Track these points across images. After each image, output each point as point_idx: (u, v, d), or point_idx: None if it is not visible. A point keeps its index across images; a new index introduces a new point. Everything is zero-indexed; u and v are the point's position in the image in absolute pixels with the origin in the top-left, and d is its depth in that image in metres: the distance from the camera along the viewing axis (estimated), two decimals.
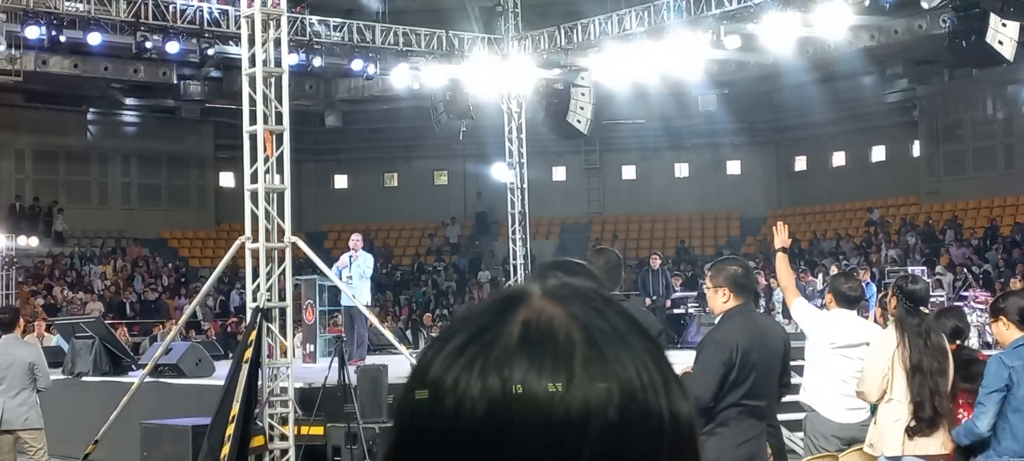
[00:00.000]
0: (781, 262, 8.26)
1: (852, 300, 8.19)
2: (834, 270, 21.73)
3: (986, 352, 11.32)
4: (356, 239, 18.92)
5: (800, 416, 8.63)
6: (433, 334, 25.20)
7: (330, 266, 17.34)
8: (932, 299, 23.16)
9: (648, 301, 22.63)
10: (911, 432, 7.17)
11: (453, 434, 0.98)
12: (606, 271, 6.63)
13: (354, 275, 18.26)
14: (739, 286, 6.28)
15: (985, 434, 6.77)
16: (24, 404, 11.64)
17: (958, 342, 7.69)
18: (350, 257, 18.57)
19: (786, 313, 23.39)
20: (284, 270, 13.78)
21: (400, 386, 1.07)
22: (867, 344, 7.74)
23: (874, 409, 7.60)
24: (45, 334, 23.74)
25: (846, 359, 7.97)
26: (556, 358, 0.99)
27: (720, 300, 6.31)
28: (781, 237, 8.13)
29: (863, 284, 25.52)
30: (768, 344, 6.28)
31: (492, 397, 0.98)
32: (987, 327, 19.86)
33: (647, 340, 1.03)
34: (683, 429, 1.01)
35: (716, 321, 6.41)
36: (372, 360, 16.78)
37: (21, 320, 12.43)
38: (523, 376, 0.98)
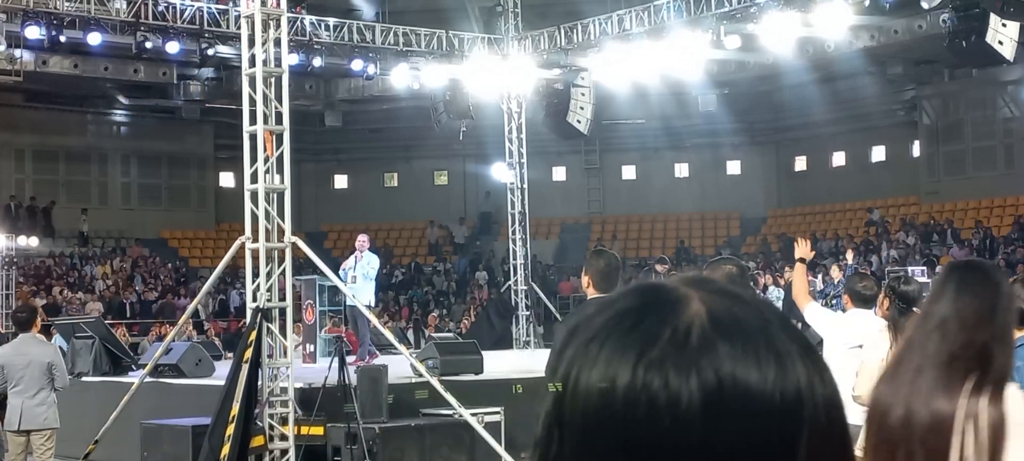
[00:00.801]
0: (799, 272, 8.45)
1: (868, 299, 8.25)
2: (835, 270, 21.72)
3: None
4: (363, 239, 18.94)
5: None
6: (433, 334, 25.18)
7: (333, 266, 17.33)
8: None
9: None
10: None
11: (671, 438, 0.95)
12: (605, 274, 6.62)
13: (358, 275, 18.29)
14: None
15: None
16: (42, 404, 11.62)
17: None
18: (355, 257, 18.60)
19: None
20: (284, 270, 13.78)
21: (573, 397, 1.00)
22: (861, 346, 7.74)
23: None
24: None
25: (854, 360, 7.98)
26: (755, 348, 0.98)
27: None
28: (802, 249, 8.25)
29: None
30: None
31: (707, 392, 0.95)
32: None
33: (789, 323, 1.04)
34: (843, 412, 1.02)
35: None
36: (372, 360, 16.78)
37: (38, 320, 12.41)
38: (733, 368, 0.96)
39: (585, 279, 6.81)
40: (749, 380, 0.96)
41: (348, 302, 18.72)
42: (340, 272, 17.86)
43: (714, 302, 1.01)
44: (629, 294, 1.04)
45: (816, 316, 8.33)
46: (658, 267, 22.26)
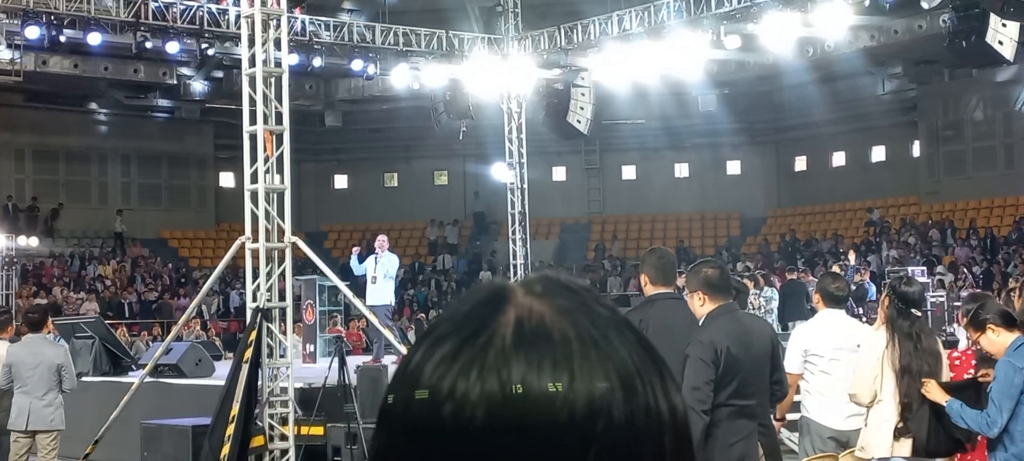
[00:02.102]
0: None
1: (839, 300, 8.21)
2: (835, 270, 21.69)
3: None
4: (382, 240, 19.03)
5: (795, 417, 8.64)
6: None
7: (333, 266, 17.34)
8: (932, 299, 23.23)
9: None
10: (898, 433, 7.14)
11: (453, 440, 0.96)
12: (660, 268, 6.71)
13: (378, 275, 18.39)
14: (713, 287, 6.29)
15: (994, 435, 6.70)
16: (50, 405, 11.60)
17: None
18: (375, 257, 18.65)
19: (781, 316, 23.42)
20: (284, 270, 13.78)
21: (387, 390, 1.03)
22: (858, 346, 7.71)
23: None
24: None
25: (834, 362, 7.95)
26: (554, 357, 0.96)
27: (697, 304, 6.33)
28: (935, 394, 7.26)
29: (865, 284, 25.60)
30: (754, 343, 6.30)
31: (492, 400, 0.95)
32: None
33: (635, 332, 1.02)
34: (680, 422, 1.00)
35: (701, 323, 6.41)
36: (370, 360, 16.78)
37: (50, 321, 12.39)
38: (522, 377, 0.95)
39: (643, 278, 6.86)
40: (536, 390, 0.95)
41: (368, 302, 18.81)
42: (359, 270, 18.06)
43: (529, 309, 1.00)
44: (470, 297, 1.04)
45: (792, 360, 8.11)
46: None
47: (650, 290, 6.76)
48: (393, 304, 19.65)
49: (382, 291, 18.35)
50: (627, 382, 0.97)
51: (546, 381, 0.95)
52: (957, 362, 7.75)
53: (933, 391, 7.03)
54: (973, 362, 8.08)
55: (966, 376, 7.56)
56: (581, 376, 0.96)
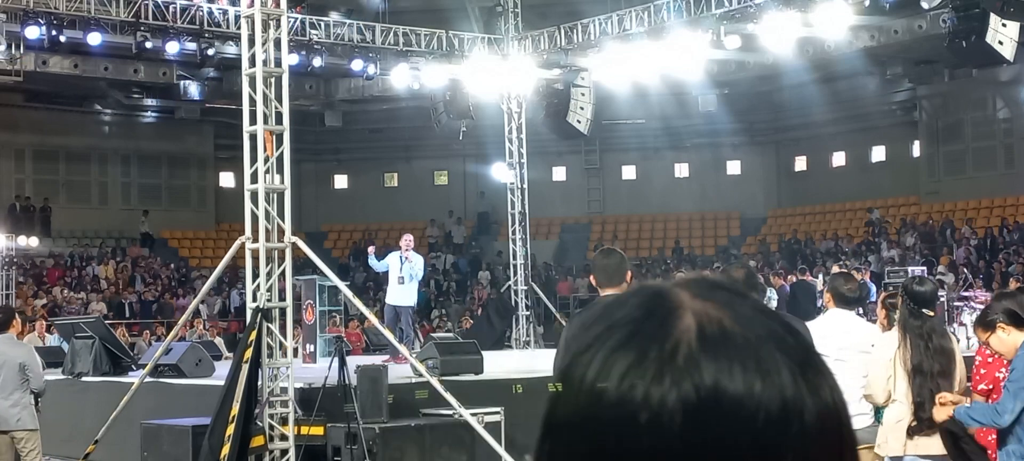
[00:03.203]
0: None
1: (851, 301, 8.21)
2: (836, 269, 21.70)
3: None
4: (408, 240, 19.06)
5: None
6: (433, 334, 25.17)
7: (333, 266, 17.33)
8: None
9: None
10: (912, 432, 7.18)
11: (649, 449, 0.95)
12: (607, 271, 6.59)
13: (405, 276, 18.41)
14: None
15: (1005, 424, 6.66)
16: (16, 405, 11.63)
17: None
18: (401, 257, 18.65)
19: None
20: (284, 270, 13.78)
21: (554, 401, 1.02)
22: (873, 346, 7.72)
23: (878, 412, 7.62)
24: (45, 334, 23.74)
25: (840, 362, 7.95)
26: (742, 360, 0.97)
27: None
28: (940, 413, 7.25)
29: (866, 284, 25.61)
30: None
31: (688, 406, 0.95)
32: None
33: (799, 335, 1.02)
34: (845, 421, 1.01)
35: None
36: (372, 360, 16.78)
37: (17, 321, 12.37)
38: (715, 381, 0.95)
39: (591, 278, 6.80)
40: (730, 396, 0.95)
41: (388, 302, 18.86)
42: (382, 270, 18.15)
43: (707, 314, 1.00)
44: (629, 302, 1.03)
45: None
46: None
47: (602, 292, 6.65)
48: (415, 305, 19.70)
49: (408, 292, 18.44)
50: (812, 383, 0.98)
51: (739, 384, 0.95)
52: (990, 359, 7.59)
53: (939, 412, 7.02)
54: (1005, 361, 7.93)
55: (997, 375, 7.44)
56: (771, 378, 0.96)
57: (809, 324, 8.40)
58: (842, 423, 1.00)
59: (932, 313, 7.41)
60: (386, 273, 19.36)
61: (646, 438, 0.95)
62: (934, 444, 7.20)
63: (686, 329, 0.99)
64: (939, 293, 24.38)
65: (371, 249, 20.03)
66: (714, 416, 0.95)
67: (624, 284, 6.93)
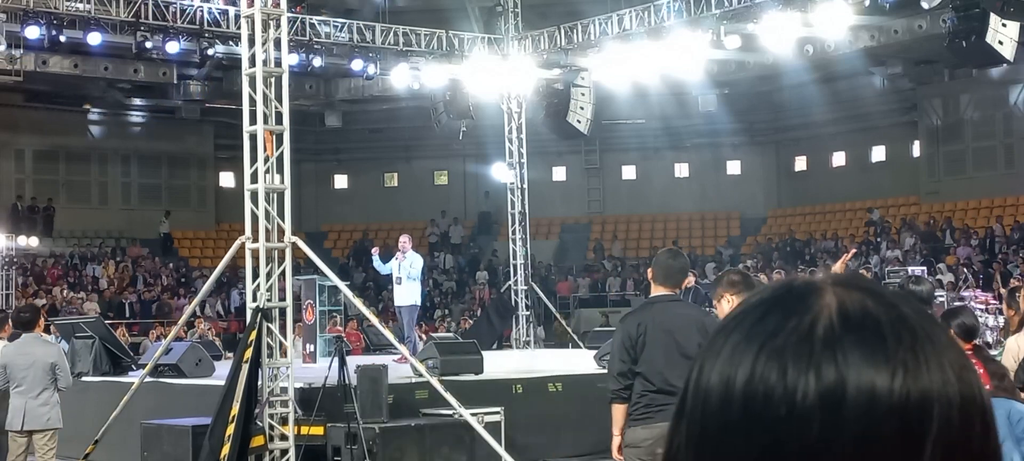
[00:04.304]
0: None
1: None
2: (836, 269, 21.68)
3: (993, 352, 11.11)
4: (405, 240, 19.07)
5: None
6: (433, 334, 25.17)
7: (333, 266, 17.32)
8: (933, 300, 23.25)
9: None
10: None
11: (787, 432, 0.94)
12: (665, 269, 6.87)
13: (403, 276, 18.44)
14: (736, 287, 6.41)
15: None
16: (45, 404, 11.63)
17: (974, 341, 7.39)
18: (399, 259, 18.69)
19: None
20: (284, 270, 13.78)
21: (690, 383, 1.02)
22: None
23: None
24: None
25: None
26: (884, 346, 0.96)
27: (726, 306, 6.45)
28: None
29: None
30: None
31: (826, 389, 0.94)
32: (987, 328, 19.86)
33: (943, 327, 1.01)
34: (990, 412, 0.99)
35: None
36: (372, 360, 16.78)
37: (42, 320, 12.41)
38: (856, 365, 0.94)
39: (650, 272, 7.03)
40: (873, 378, 0.94)
41: (396, 302, 18.95)
42: (384, 271, 18.18)
43: (847, 296, 0.99)
44: (766, 289, 1.04)
45: None
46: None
47: (654, 289, 6.88)
48: (419, 304, 19.71)
49: (408, 291, 18.49)
50: (950, 368, 0.97)
51: (880, 368, 0.94)
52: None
53: None
54: None
55: None
56: (916, 363, 0.95)
57: None
58: (982, 412, 0.98)
59: (930, 311, 7.38)
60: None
61: (782, 420, 0.94)
62: None
63: (825, 306, 0.98)
64: (937, 293, 24.50)
65: (375, 250, 20.09)
66: (855, 398, 0.94)
67: (680, 287, 7.19)
